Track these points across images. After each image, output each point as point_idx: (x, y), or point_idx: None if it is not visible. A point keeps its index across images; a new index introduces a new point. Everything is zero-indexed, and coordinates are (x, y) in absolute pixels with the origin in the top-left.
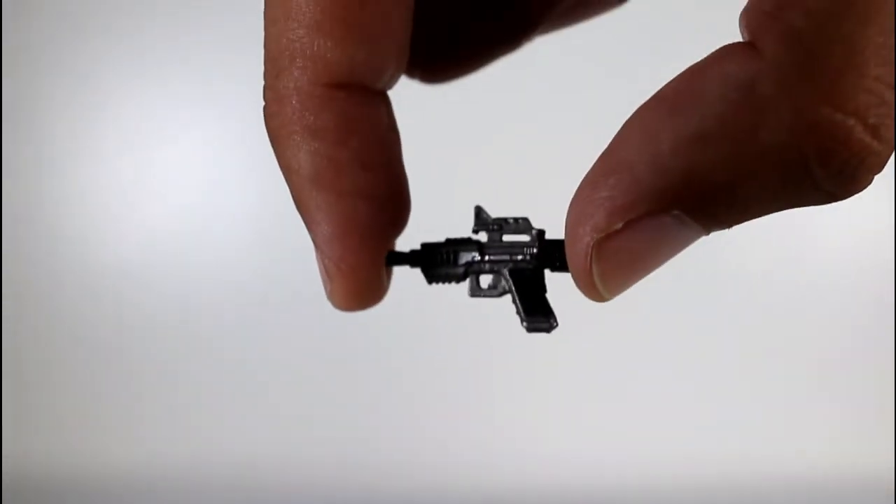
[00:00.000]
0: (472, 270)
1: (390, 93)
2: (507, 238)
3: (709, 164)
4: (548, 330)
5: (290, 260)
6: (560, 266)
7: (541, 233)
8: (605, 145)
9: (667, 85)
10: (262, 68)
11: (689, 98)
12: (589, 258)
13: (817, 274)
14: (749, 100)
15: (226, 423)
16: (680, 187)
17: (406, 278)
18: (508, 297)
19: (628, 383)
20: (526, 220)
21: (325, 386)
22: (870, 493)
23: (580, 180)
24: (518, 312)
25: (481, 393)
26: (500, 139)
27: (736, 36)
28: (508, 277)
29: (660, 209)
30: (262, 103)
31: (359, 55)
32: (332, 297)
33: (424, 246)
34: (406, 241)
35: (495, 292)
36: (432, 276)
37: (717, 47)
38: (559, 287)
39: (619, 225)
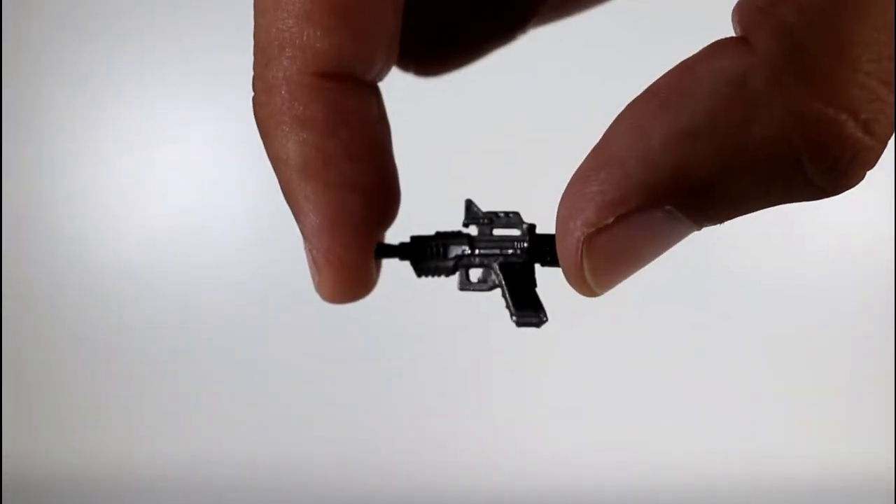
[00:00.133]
0: (462, 264)
1: (382, 86)
2: (497, 232)
3: (699, 159)
4: (537, 325)
5: (290, 260)
6: (551, 261)
7: (531, 227)
8: (597, 140)
9: (658, 80)
10: None
11: (680, 93)
12: (580, 253)
13: (817, 273)
14: (740, 94)
15: (226, 423)
16: (670, 182)
17: (406, 278)
18: (498, 291)
19: (628, 383)
20: (517, 214)
21: (325, 386)
22: (870, 493)
23: (571, 175)
24: (508, 307)
25: (481, 393)
26: (492, 133)
27: (728, 31)
28: (499, 272)
29: (650, 204)
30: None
31: (348, 45)
32: (319, 288)
33: (414, 239)
34: (396, 235)
35: (485, 286)
36: (422, 270)
37: (710, 42)
38: (557, 287)
39: (610, 220)
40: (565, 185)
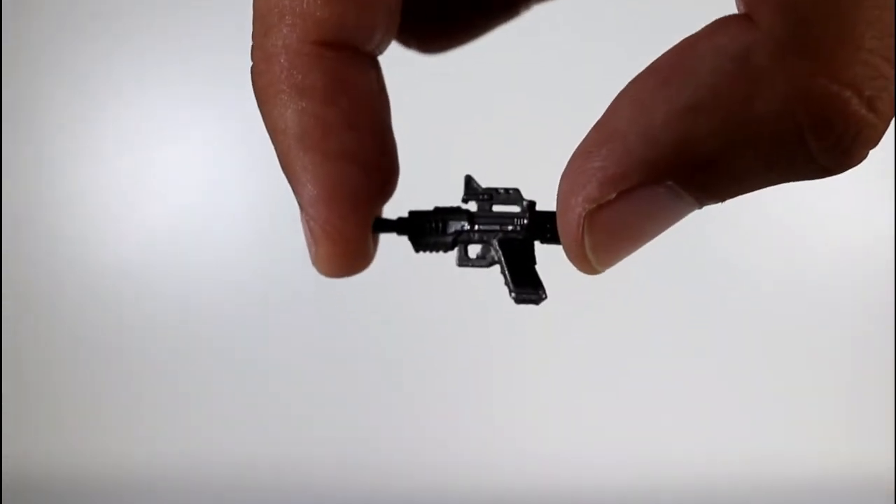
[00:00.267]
0: (461, 240)
1: (384, 63)
2: (497, 208)
3: (702, 134)
4: (536, 301)
5: (290, 260)
6: (551, 238)
7: (531, 204)
8: (599, 116)
9: (660, 56)
10: None
11: (683, 69)
12: (581, 228)
13: (817, 273)
14: (743, 70)
15: (226, 423)
16: (672, 158)
17: (406, 278)
18: (497, 269)
19: (628, 383)
20: (517, 190)
21: (325, 386)
22: (870, 493)
23: (572, 152)
24: (507, 283)
25: (481, 393)
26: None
27: (732, 10)
28: (498, 248)
29: (652, 180)
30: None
31: (349, 14)
32: (316, 261)
33: (412, 214)
34: (395, 212)
35: (484, 262)
36: (420, 245)
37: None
38: (558, 287)
39: (612, 195)
40: (566, 162)
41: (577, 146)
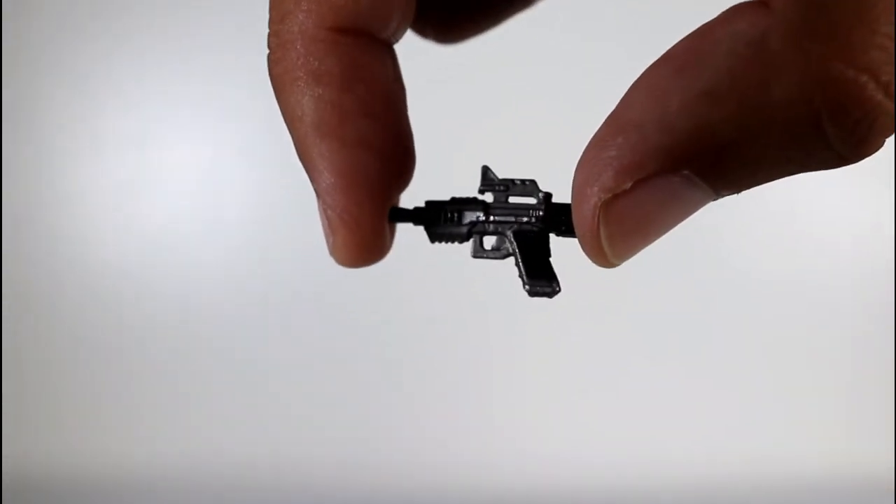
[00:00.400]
0: (476, 231)
1: (402, 53)
2: (513, 200)
3: (717, 121)
4: (550, 294)
5: (290, 260)
6: (566, 230)
7: (548, 196)
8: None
9: (676, 44)
10: (262, 66)
11: (698, 55)
12: (596, 219)
13: (817, 273)
14: (759, 56)
15: (226, 423)
16: (688, 146)
17: (406, 278)
18: (512, 261)
19: (628, 383)
20: (533, 182)
21: (325, 386)
22: (870, 493)
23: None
24: (521, 276)
25: (481, 393)
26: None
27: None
28: (513, 240)
29: (668, 169)
30: (272, 90)
31: (365, 0)
32: (334, 250)
33: (429, 203)
34: (412, 203)
35: (499, 254)
36: (435, 235)
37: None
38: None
39: (628, 185)
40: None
41: (593, 135)
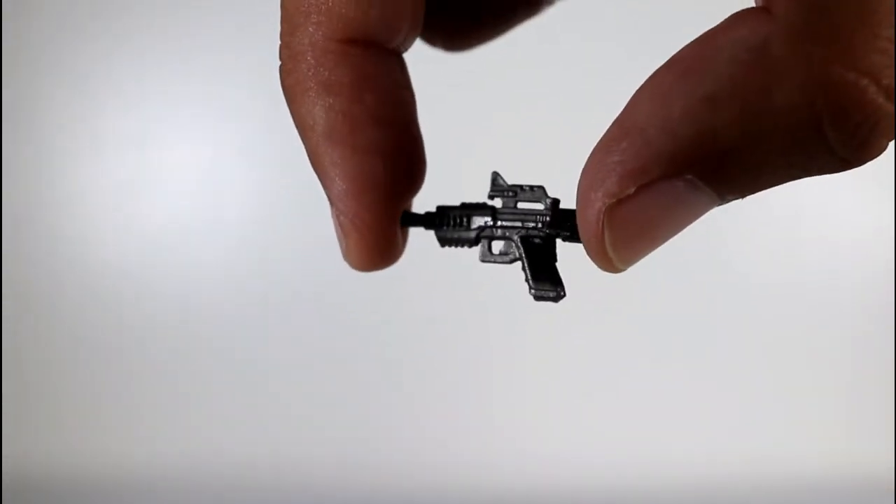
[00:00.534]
0: (485, 235)
1: (411, 61)
2: (521, 205)
3: (721, 126)
4: (555, 299)
5: (290, 260)
6: (571, 236)
7: (555, 202)
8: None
9: (679, 51)
10: (262, 66)
11: (701, 61)
12: (601, 224)
13: (817, 274)
14: (761, 61)
15: (226, 423)
16: (691, 150)
17: (406, 279)
18: (519, 265)
19: (629, 383)
20: (541, 188)
21: (325, 386)
22: (870, 493)
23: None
24: (526, 280)
25: (481, 393)
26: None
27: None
28: (520, 244)
29: (672, 173)
30: (272, 90)
31: (374, 11)
32: (347, 255)
33: (439, 208)
34: (424, 209)
35: (506, 259)
36: (445, 240)
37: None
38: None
39: (632, 190)
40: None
41: (597, 141)
